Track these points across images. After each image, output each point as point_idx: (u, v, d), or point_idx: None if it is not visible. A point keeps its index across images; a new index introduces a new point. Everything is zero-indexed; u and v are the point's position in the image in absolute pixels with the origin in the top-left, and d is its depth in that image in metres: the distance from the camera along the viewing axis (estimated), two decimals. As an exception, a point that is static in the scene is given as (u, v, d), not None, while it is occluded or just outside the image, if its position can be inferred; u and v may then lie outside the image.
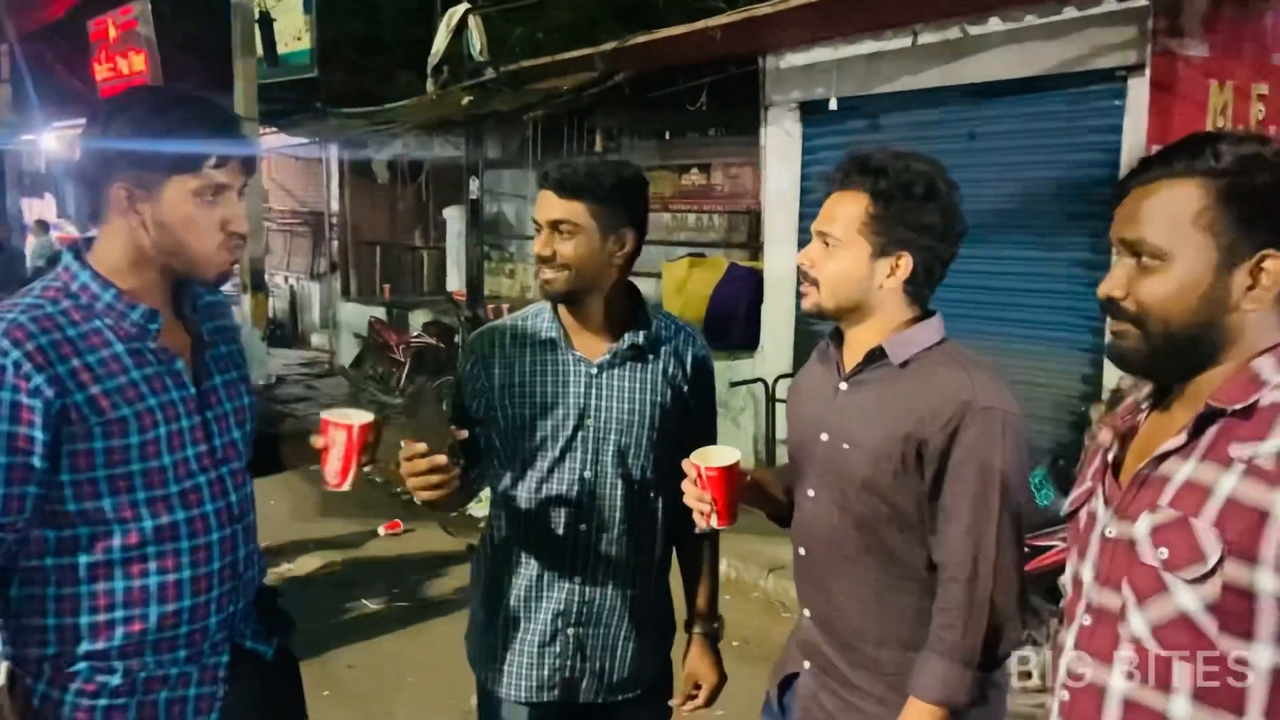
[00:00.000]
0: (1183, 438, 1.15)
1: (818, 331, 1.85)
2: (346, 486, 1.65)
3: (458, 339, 8.31)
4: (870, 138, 6.06)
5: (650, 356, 1.95)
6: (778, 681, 1.89)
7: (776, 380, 6.50)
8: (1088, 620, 1.24)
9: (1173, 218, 1.15)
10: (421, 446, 1.68)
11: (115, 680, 1.53)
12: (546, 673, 1.96)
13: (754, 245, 7.63)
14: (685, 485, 1.69)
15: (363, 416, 1.64)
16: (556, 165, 1.86)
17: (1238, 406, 1.11)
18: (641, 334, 1.93)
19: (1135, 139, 4.91)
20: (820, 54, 6.44)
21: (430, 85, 9.34)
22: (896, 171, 1.64)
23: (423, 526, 6.07)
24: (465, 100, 8.55)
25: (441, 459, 1.67)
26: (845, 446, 1.69)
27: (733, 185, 8.11)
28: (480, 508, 6.81)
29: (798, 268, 1.74)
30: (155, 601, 1.54)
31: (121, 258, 1.55)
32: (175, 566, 1.55)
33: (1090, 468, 1.34)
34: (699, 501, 1.67)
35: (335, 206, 12.53)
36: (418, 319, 9.87)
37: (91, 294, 1.53)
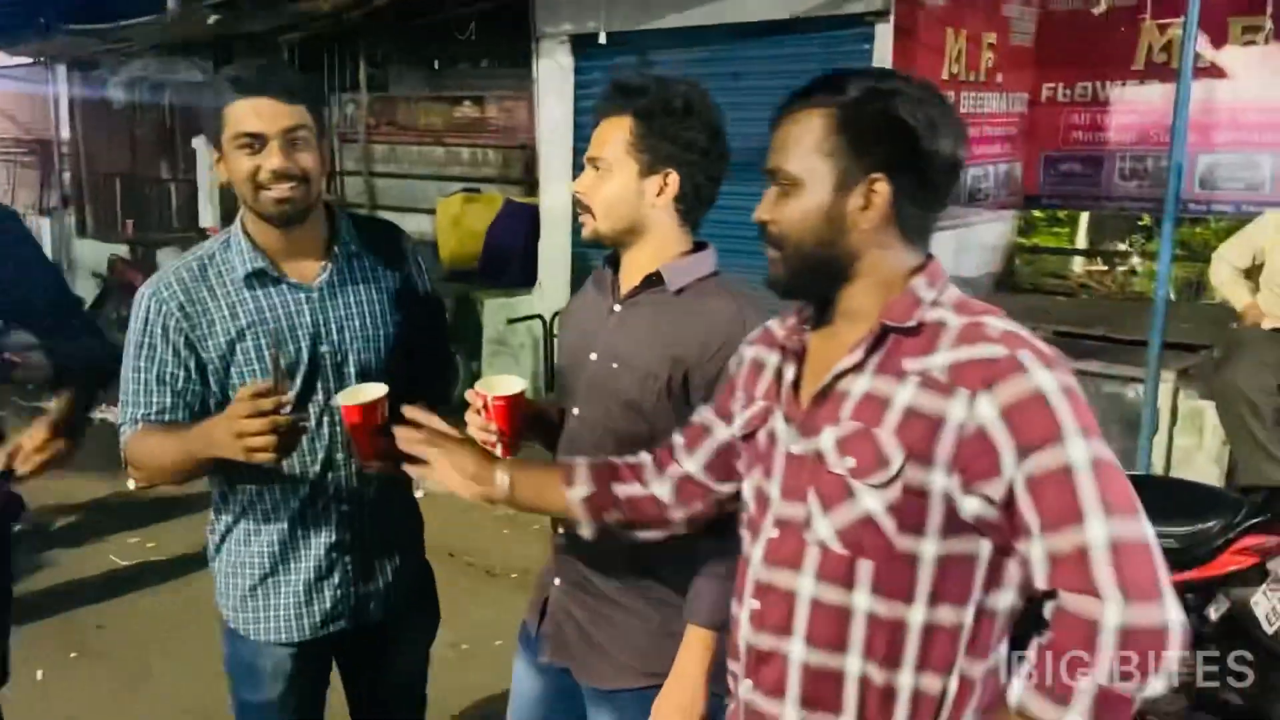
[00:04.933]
0: (859, 355, 1.24)
1: (596, 266, 1.87)
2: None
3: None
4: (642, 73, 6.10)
5: (364, 266, 1.91)
6: (535, 609, 1.90)
7: (554, 316, 6.51)
8: (775, 533, 1.31)
9: (803, 147, 1.26)
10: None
11: None
12: (329, 605, 1.91)
13: (529, 181, 7.54)
14: (469, 416, 1.68)
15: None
16: None
17: (906, 325, 1.23)
18: (351, 246, 1.90)
19: (883, 82, 5.22)
20: (590, -14, 6.40)
21: (171, 1, 8.54)
22: (656, 91, 1.69)
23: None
24: (211, 19, 7.88)
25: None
26: (614, 365, 1.72)
27: (507, 119, 7.95)
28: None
29: (573, 198, 1.76)
30: None
31: None
32: None
33: (757, 388, 1.42)
34: (484, 432, 1.66)
35: (66, 134, 11.36)
36: (166, 257, 9.12)
37: None
